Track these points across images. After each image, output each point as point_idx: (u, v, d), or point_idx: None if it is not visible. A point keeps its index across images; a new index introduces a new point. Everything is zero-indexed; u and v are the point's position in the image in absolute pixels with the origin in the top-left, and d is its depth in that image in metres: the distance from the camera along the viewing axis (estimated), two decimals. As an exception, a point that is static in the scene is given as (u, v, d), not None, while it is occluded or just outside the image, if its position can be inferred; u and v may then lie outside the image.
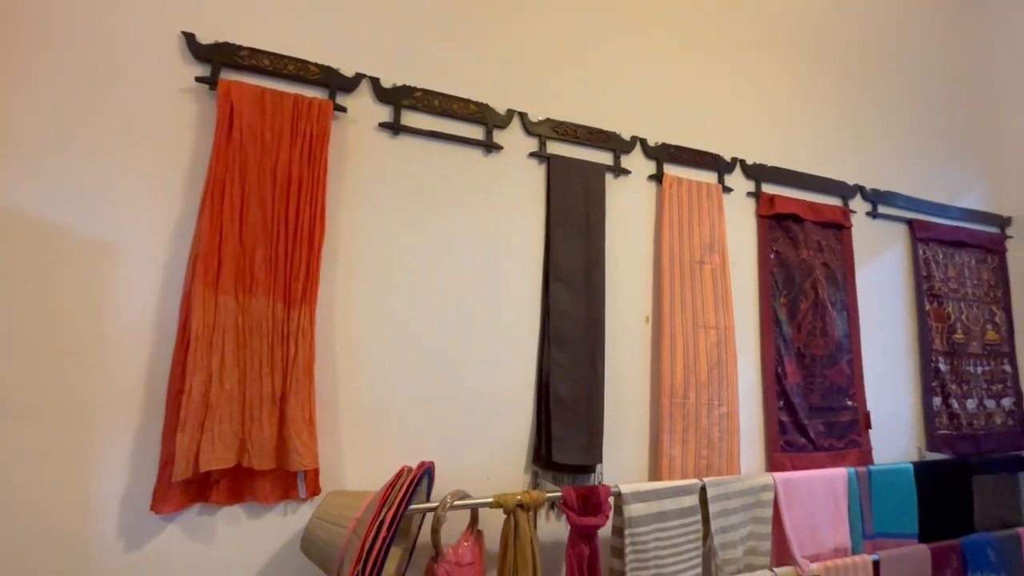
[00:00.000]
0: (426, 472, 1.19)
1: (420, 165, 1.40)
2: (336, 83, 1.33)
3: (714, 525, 1.42)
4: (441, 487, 1.27)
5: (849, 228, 1.99)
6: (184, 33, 1.22)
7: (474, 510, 1.24)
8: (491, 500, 1.21)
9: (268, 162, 1.21)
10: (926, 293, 2.13)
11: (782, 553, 1.51)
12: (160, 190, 1.17)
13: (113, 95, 1.16)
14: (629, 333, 1.60)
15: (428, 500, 1.23)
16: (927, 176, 2.25)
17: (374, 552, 0.94)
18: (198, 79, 1.20)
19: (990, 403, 2.19)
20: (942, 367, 2.11)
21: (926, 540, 1.70)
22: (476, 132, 1.47)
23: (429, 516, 1.19)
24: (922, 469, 1.76)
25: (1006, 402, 2.24)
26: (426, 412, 1.34)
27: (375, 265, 1.33)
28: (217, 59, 1.22)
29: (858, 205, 2.06)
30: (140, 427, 1.10)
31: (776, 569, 1.45)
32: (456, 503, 1.18)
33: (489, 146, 1.47)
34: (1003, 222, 2.39)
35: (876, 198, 2.09)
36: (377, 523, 0.98)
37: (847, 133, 2.09)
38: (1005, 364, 2.28)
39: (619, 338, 1.58)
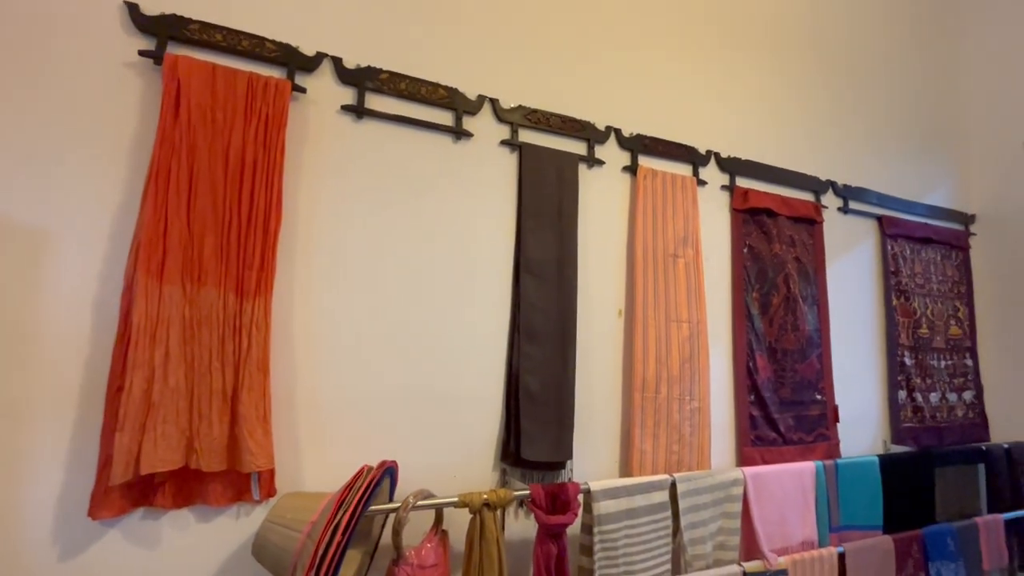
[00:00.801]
0: (387, 471, 1.14)
1: (385, 151, 1.34)
2: (295, 62, 1.26)
3: (684, 521, 1.40)
4: (406, 487, 1.23)
5: (821, 223, 2.00)
6: (127, 2, 1.13)
7: (439, 510, 1.20)
8: (456, 499, 1.17)
9: (219, 144, 1.13)
10: (893, 288, 2.16)
11: (751, 547, 1.51)
12: (100, 173, 1.08)
13: (48, 70, 1.07)
14: (601, 327, 1.57)
15: (391, 500, 1.19)
16: (897, 173, 2.28)
17: (328, 557, 0.89)
18: (142, 53, 1.12)
19: (952, 396, 2.24)
20: (907, 361, 2.15)
21: (890, 531, 1.72)
22: (445, 118, 1.42)
23: (392, 517, 1.14)
24: (887, 461, 1.78)
25: (967, 395, 2.29)
26: (390, 408, 1.29)
27: (337, 255, 1.27)
28: (163, 32, 1.14)
29: (830, 200, 2.07)
30: (77, 426, 1.02)
31: (744, 563, 1.44)
32: (419, 503, 1.14)
33: (459, 133, 1.42)
34: (968, 219, 2.44)
35: (847, 194, 2.10)
36: (332, 526, 0.93)
37: (821, 129, 2.10)
38: (967, 358, 2.33)
39: (591, 332, 1.55)
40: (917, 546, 1.73)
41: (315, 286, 1.24)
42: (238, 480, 1.11)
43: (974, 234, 2.44)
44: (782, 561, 1.48)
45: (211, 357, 1.09)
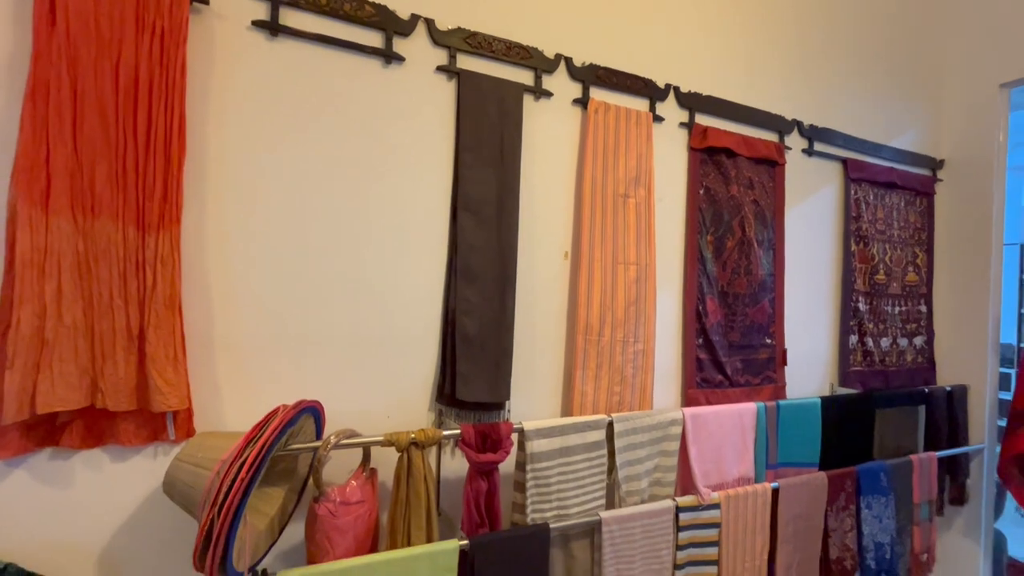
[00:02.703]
0: (309, 411, 1.12)
1: (305, 73, 1.23)
2: (196, -32, 1.12)
3: (619, 459, 1.42)
4: (337, 427, 1.21)
5: (783, 165, 1.93)
6: None
7: (366, 449, 1.19)
8: (381, 438, 1.16)
9: (107, 60, 1.02)
10: (853, 234, 2.14)
11: (687, 484, 1.55)
12: (-29, 89, 0.97)
13: None
14: (547, 269, 1.53)
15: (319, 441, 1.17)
16: (866, 114, 2.20)
17: (232, 493, 0.88)
18: (7, -51, 0.98)
19: (903, 341, 2.28)
20: (862, 307, 2.16)
21: (826, 468, 1.78)
22: (374, 39, 1.30)
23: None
24: (829, 403, 1.81)
25: (918, 340, 2.33)
26: (319, 348, 1.25)
27: (254, 187, 1.19)
28: (32, -75, 1.00)
29: (794, 141, 2.00)
30: (-32, 365, 0.97)
31: (678, 498, 1.48)
32: (343, 442, 1.12)
33: (389, 56, 1.31)
34: (936, 165, 2.39)
35: (813, 135, 2.03)
36: (239, 462, 0.91)
37: (787, 66, 1.99)
38: (921, 305, 2.35)
39: (536, 274, 1.51)
40: (851, 481, 1.80)
41: (230, 220, 1.17)
42: (152, 420, 1.08)
43: (940, 180, 2.40)
44: (716, 496, 1.52)
45: (112, 294, 1.02)
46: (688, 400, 1.72)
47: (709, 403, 1.72)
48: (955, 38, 2.38)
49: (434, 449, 1.35)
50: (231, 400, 1.17)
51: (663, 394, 1.70)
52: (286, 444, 1.05)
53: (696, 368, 1.74)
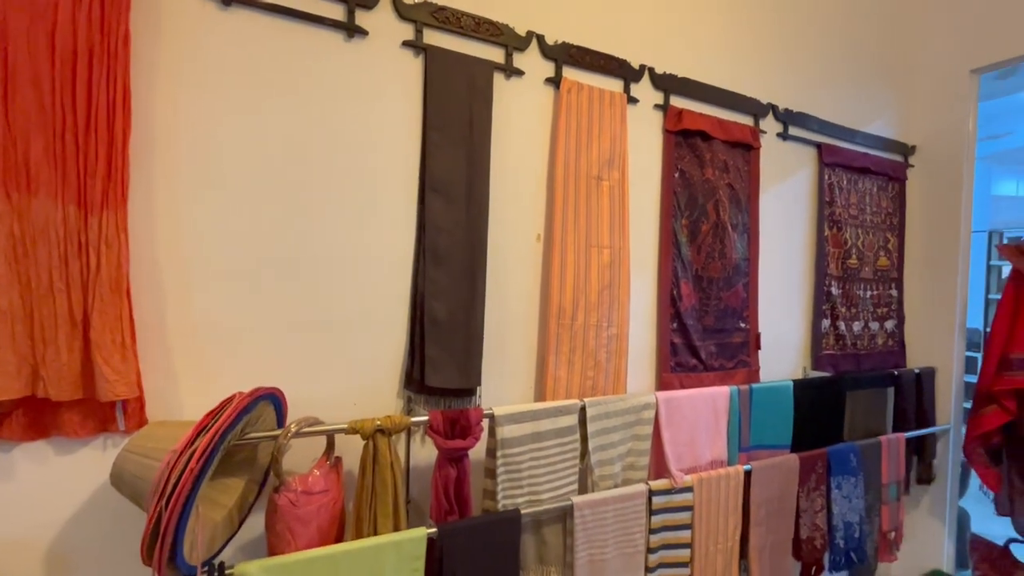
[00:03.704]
0: (269, 399, 1.08)
1: (261, 45, 1.17)
2: (139, -70, 1.05)
3: (592, 444, 1.41)
4: (302, 414, 1.17)
5: (757, 149, 1.93)
6: None
7: (330, 436, 1.16)
8: (345, 426, 1.12)
9: (40, 28, 0.95)
10: (827, 219, 2.15)
11: (661, 468, 1.54)
12: None
13: None
14: (519, 251, 1.50)
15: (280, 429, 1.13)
16: (841, 100, 2.21)
17: (180, 484, 0.84)
18: (-76, -97, 0.91)
19: (874, 325, 2.31)
20: (834, 291, 2.18)
21: (798, 450, 1.79)
22: (335, 11, 1.24)
23: (276, 444, 1.09)
24: (800, 386, 1.83)
25: (889, 324, 2.36)
26: (281, 334, 1.21)
27: (208, 162, 1.13)
28: None
29: (769, 125, 1.99)
30: None
31: (651, 482, 1.48)
32: (305, 430, 1.09)
33: (351, 29, 1.25)
34: (907, 151, 2.42)
35: (788, 119, 2.02)
36: (189, 452, 0.87)
37: (763, 49, 1.98)
38: (892, 289, 2.39)
39: (508, 256, 1.48)
40: (821, 463, 1.82)
41: (182, 200, 1.11)
42: (100, 410, 1.03)
43: (912, 166, 2.43)
44: (688, 479, 1.52)
45: (52, 277, 0.97)
46: (662, 384, 1.71)
47: (683, 387, 1.72)
48: (926, 24, 2.40)
49: (403, 436, 1.32)
50: (188, 388, 1.12)
51: (637, 378, 1.69)
52: (243, 433, 1.01)
53: (670, 352, 1.74)
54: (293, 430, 1.06)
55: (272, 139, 1.19)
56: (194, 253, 1.12)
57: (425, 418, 1.22)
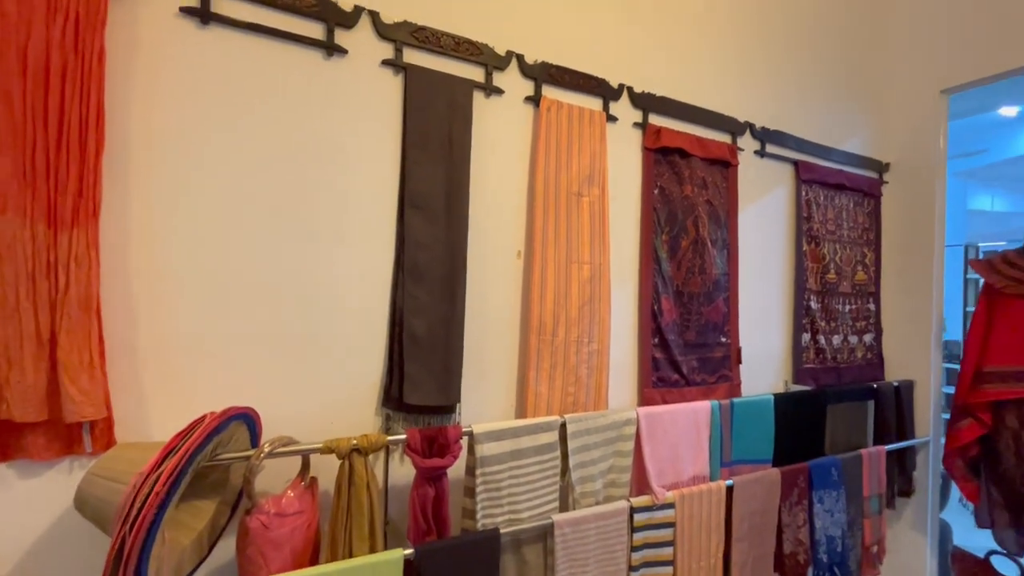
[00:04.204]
0: (242, 419, 1.06)
1: (240, 63, 1.18)
2: (117, -50, 1.06)
3: (572, 461, 1.40)
4: (277, 434, 1.15)
5: (735, 166, 1.96)
6: None
7: (305, 457, 1.14)
8: (320, 445, 1.11)
9: (13, 43, 0.95)
10: (805, 234, 2.19)
11: (643, 485, 1.54)
12: None
13: None
14: (500, 268, 1.51)
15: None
16: (817, 118, 2.26)
17: (145, 508, 0.81)
18: None
19: (853, 339, 2.34)
20: (813, 305, 2.21)
21: (780, 464, 1.80)
22: (315, 30, 1.25)
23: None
24: (781, 400, 1.84)
25: (867, 338, 2.40)
26: (257, 352, 1.19)
27: (184, 179, 1.12)
28: None
29: (746, 143, 2.03)
30: None
31: (632, 499, 1.47)
32: (278, 450, 1.07)
33: (331, 48, 1.26)
34: (881, 168, 2.48)
35: (765, 137, 2.07)
36: (155, 475, 0.85)
37: (741, 69, 2.02)
38: (870, 303, 2.43)
39: (489, 273, 1.48)
40: (803, 477, 1.82)
41: (157, 216, 1.10)
42: (67, 431, 1.01)
43: (886, 182, 2.49)
44: (670, 495, 1.52)
45: (19, 296, 0.95)
46: (644, 400, 1.72)
47: (665, 402, 1.72)
48: (897, 45, 2.48)
49: (381, 455, 1.31)
50: (158, 409, 1.10)
51: (619, 394, 1.69)
52: (214, 454, 0.99)
53: (652, 367, 1.74)
54: (266, 450, 1.04)
55: (250, 156, 1.19)
56: (168, 270, 1.11)
57: (403, 436, 1.20)
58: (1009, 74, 2.16)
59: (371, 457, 1.19)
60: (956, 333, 4.51)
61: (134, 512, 0.82)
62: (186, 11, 1.12)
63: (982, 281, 2.10)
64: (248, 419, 1.08)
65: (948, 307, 2.38)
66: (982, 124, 4.41)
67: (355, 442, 1.13)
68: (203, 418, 0.98)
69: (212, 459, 0.99)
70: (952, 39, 2.29)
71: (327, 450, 1.11)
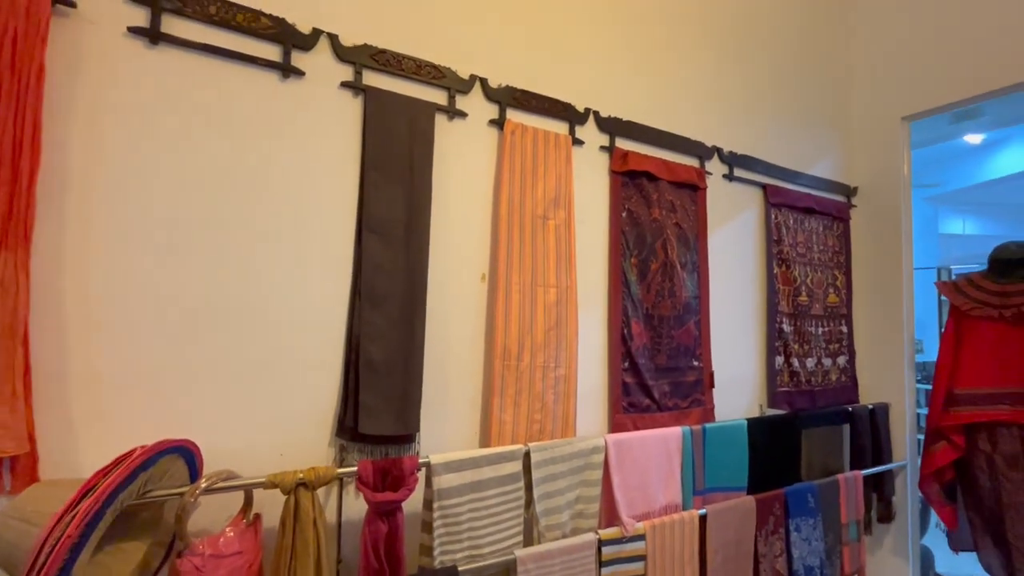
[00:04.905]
0: (178, 452, 1.00)
1: (190, 85, 1.15)
2: (62, -30, 1.04)
3: (537, 491, 1.35)
4: (222, 467, 1.09)
5: (704, 189, 1.97)
6: None
7: (248, 492, 1.07)
8: (264, 480, 1.05)
9: (-56, 61, 0.92)
10: (776, 257, 2.20)
11: (612, 516, 1.49)
12: None
13: None
14: (463, 292, 1.47)
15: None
16: (784, 143, 2.30)
17: (54, 555, 0.75)
18: None
19: (827, 361, 2.34)
20: (786, 328, 2.20)
21: (755, 492, 1.76)
22: (270, 52, 1.24)
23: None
24: (755, 425, 1.81)
25: (841, 360, 2.39)
26: (201, 380, 1.14)
27: (126, 203, 1.08)
28: None
29: (715, 167, 2.05)
30: None
31: (600, 531, 1.42)
32: (216, 486, 1.01)
33: (287, 70, 1.25)
34: (850, 191, 2.52)
35: (733, 161, 2.09)
36: (69, 516, 0.79)
37: (708, 95, 2.06)
38: (843, 325, 2.43)
39: (452, 297, 1.45)
40: (779, 504, 1.78)
41: (96, 240, 1.06)
42: (-16, 468, 0.94)
43: (855, 206, 2.53)
44: (640, 527, 1.46)
45: (-63, 323, 0.89)
46: (615, 426, 1.67)
47: (637, 428, 1.68)
48: (861, 73, 2.55)
49: (335, 489, 1.24)
50: (90, 443, 1.03)
51: (589, 420, 1.65)
52: (143, 491, 0.93)
53: (623, 392, 1.71)
54: (202, 486, 0.98)
55: (200, 178, 1.15)
56: (107, 296, 1.06)
57: (354, 469, 1.15)
58: (965, 102, 2.23)
59: (323, 491, 1.13)
60: (933, 354, 4.55)
61: (42, 558, 0.75)
62: (135, 31, 1.10)
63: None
64: (186, 452, 1.02)
65: (924, 329, 2.40)
66: (948, 152, 4.55)
67: (301, 476, 1.07)
68: (131, 452, 0.92)
69: (141, 497, 0.93)
70: (912, 69, 2.36)
71: (270, 485, 1.05)
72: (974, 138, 4.23)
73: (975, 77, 2.16)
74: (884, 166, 2.44)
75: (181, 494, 0.97)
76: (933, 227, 5.35)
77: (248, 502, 1.08)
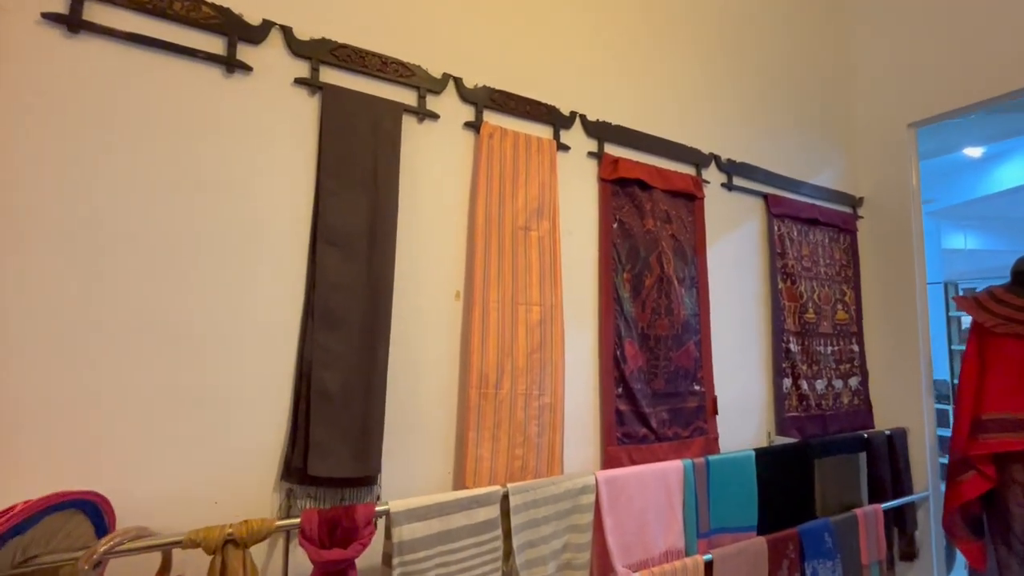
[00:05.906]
0: (78, 505, 0.83)
1: (119, 79, 1.02)
2: (-35, -53, 0.91)
3: (517, 540, 1.17)
4: (139, 520, 0.92)
5: (701, 199, 1.84)
6: None
7: (166, 553, 0.90)
8: (181, 538, 0.88)
9: None
10: (779, 271, 2.05)
11: (605, 565, 1.31)
12: None
13: None
14: (436, 312, 1.32)
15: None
16: (786, 151, 2.17)
17: None
18: None
19: (838, 383, 2.17)
20: (793, 348, 2.04)
21: (765, 531, 1.58)
22: (212, 44, 1.11)
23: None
24: (764, 456, 1.64)
25: (853, 381, 2.23)
26: (116, 416, 0.97)
27: (42, 213, 0.94)
28: None
29: (713, 175, 1.92)
30: None
31: (592, 585, 1.24)
32: (122, 547, 0.84)
33: (232, 64, 1.11)
34: (855, 202, 2.38)
35: (732, 169, 1.96)
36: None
37: (704, 100, 1.94)
38: (853, 344, 2.27)
39: (422, 317, 1.29)
40: (793, 545, 1.60)
41: (7, 255, 0.90)
42: None
43: (861, 217, 2.39)
44: (637, 578, 1.28)
45: None
46: (608, 459, 1.50)
47: (633, 461, 1.51)
48: (865, 78, 2.44)
49: (280, 543, 1.07)
50: (-20, 492, 0.87)
51: (579, 454, 1.48)
52: (24, 556, 0.76)
53: (616, 422, 1.54)
54: (100, 550, 0.81)
55: (129, 183, 1.01)
56: (16, 320, 0.90)
57: (297, 520, 0.98)
58: (972, 108, 2.11)
59: (265, 547, 0.96)
60: (943, 372, 4.38)
61: None
62: (50, 17, 0.96)
63: (967, 319, 1.96)
64: (88, 506, 0.86)
65: (933, 346, 2.23)
66: (948, 166, 4.45)
67: (230, 531, 0.90)
68: (11, 509, 0.75)
69: (22, 564, 0.76)
70: (917, 75, 2.25)
71: (190, 544, 0.88)
72: (974, 151, 4.13)
73: (985, 81, 2.04)
74: (891, 175, 2.31)
75: (75, 560, 0.80)
76: (935, 241, 5.23)
77: (166, 565, 0.90)
